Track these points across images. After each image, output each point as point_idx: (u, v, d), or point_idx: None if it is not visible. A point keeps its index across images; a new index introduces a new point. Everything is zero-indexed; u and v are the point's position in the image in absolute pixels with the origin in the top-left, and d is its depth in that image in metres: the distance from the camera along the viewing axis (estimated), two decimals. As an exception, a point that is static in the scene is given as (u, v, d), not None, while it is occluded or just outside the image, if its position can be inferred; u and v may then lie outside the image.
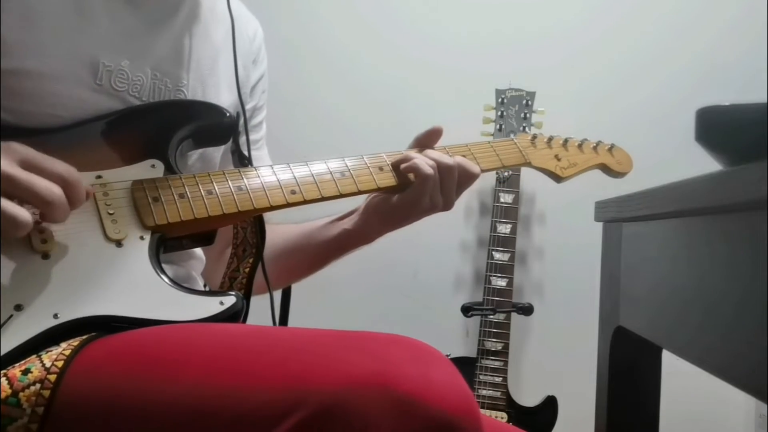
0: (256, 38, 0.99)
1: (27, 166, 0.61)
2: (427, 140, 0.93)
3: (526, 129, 1.75)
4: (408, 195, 0.87)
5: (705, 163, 0.46)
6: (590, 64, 1.95)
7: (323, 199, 0.83)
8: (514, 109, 1.77)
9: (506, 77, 1.80)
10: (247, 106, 0.93)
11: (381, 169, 0.87)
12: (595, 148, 1.05)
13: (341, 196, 0.84)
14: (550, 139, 1.03)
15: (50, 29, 0.73)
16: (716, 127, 0.45)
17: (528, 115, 1.76)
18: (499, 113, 1.77)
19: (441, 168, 0.87)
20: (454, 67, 1.94)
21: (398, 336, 0.60)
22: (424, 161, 0.86)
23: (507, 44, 1.94)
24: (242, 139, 0.89)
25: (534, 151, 1.00)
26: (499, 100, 1.78)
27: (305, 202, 0.82)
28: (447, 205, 0.89)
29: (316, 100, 1.91)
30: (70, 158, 0.66)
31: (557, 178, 1.01)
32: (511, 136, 1.04)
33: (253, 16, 1.00)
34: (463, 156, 0.92)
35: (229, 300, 0.71)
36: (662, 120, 1.89)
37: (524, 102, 1.77)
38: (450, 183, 0.88)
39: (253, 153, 0.90)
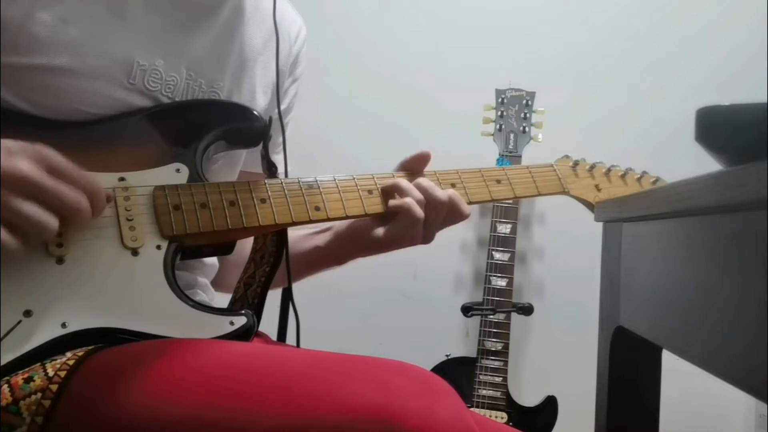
0: (299, 40, 0.97)
1: (54, 172, 0.61)
2: (414, 165, 0.86)
3: (526, 129, 1.75)
4: (390, 231, 0.82)
5: (705, 163, 0.46)
6: (590, 64, 1.95)
7: (347, 217, 0.81)
8: (514, 109, 1.77)
9: (506, 77, 1.80)
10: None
11: (370, 192, 0.83)
12: (639, 179, 0.99)
13: (366, 215, 0.82)
14: (593, 166, 0.98)
15: (85, 28, 0.73)
16: (716, 127, 0.45)
17: (528, 115, 1.76)
18: (499, 113, 1.77)
19: (430, 203, 0.81)
20: (455, 67, 1.94)
21: (403, 363, 0.60)
22: (414, 204, 0.80)
23: (507, 44, 1.95)
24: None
25: (575, 180, 0.95)
26: (499, 100, 1.78)
27: (329, 219, 0.80)
28: (426, 240, 0.83)
29: (317, 100, 1.91)
30: (95, 155, 0.65)
31: (594, 209, 0.95)
32: (553, 162, 0.97)
33: (298, 16, 0.98)
34: (481, 176, 0.88)
35: (240, 320, 0.70)
36: (662, 120, 1.90)
37: (524, 102, 1.77)
38: (435, 219, 0.82)
39: (277, 156, 0.89)
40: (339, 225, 0.88)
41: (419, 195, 0.81)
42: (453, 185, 0.87)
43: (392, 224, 0.82)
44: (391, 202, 0.82)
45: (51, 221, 0.59)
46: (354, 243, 0.87)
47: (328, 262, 0.92)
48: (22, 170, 0.58)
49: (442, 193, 0.82)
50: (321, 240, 0.90)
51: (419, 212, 0.80)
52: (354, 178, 0.83)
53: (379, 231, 0.83)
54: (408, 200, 0.81)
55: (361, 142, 1.89)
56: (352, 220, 0.86)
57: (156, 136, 0.76)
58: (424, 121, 1.93)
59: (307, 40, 0.99)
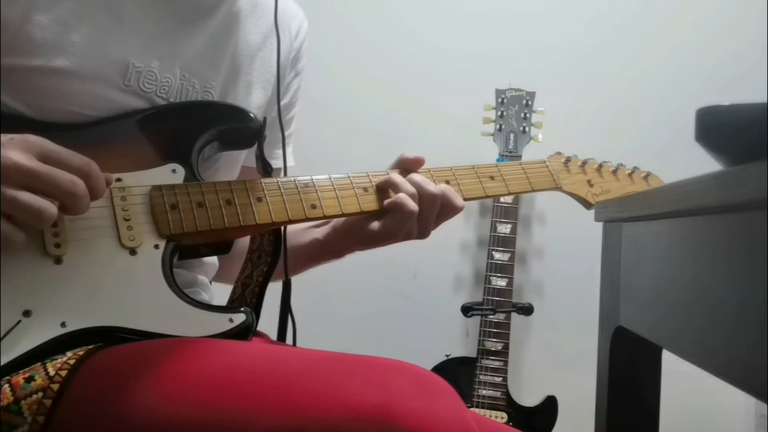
0: (299, 35, 0.97)
1: (46, 159, 0.61)
2: (409, 166, 0.87)
3: (526, 129, 1.75)
4: (385, 225, 0.82)
5: (705, 163, 0.46)
6: (590, 65, 1.95)
7: (344, 215, 0.82)
8: (514, 109, 1.77)
9: (506, 77, 1.80)
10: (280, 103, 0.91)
11: (365, 190, 0.84)
12: (630, 175, 1.01)
13: (362, 213, 0.83)
14: (584, 162, 0.99)
15: (83, 30, 0.73)
16: (716, 127, 0.45)
17: (528, 115, 1.76)
18: (499, 113, 1.77)
19: (423, 197, 0.83)
20: (455, 68, 1.95)
21: (403, 363, 0.60)
22: (407, 198, 0.81)
23: (507, 45, 1.95)
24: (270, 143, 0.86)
25: (567, 176, 0.97)
26: (499, 100, 1.78)
27: (325, 217, 0.81)
28: (422, 234, 0.84)
29: (315, 101, 1.91)
30: (91, 157, 0.65)
31: (587, 205, 0.97)
32: (545, 159, 0.99)
33: (299, 11, 0.98)
34: (475, 172, 0.89)
35: (239, 317, 0.70)
36: (663, 119, 1.90)
37: (524, 102, 1.77)
38: (430, 213, 0.83)
39: (278, 151, 0.89)
40: (337, 219, 0.88)
41: (412, 189, 0.82)
42: (447, 182, 0.88)
43: (387, 218, 0.83)
44: (386, 201, 0.83)
45: (48, 207, 0.59)
46: (351, 236, 0.87)
47: (327, 256, 0.93)
48: (13, 160, 0.58)
49: (435, 187, 0.83)
50: (319, 233, 0.91)
51: (413, 206, 0.81)
52: (349, 177, 0.84)
53: (376, 225, 0.83)
54: (401, 195, 0.82)
55: (361, 143, 1.89)
56: (346, 219, 0.86)
57: (152, 137, 0.76)
58: (425, 121, 1.93)
59: (308, 34, 0.98)
